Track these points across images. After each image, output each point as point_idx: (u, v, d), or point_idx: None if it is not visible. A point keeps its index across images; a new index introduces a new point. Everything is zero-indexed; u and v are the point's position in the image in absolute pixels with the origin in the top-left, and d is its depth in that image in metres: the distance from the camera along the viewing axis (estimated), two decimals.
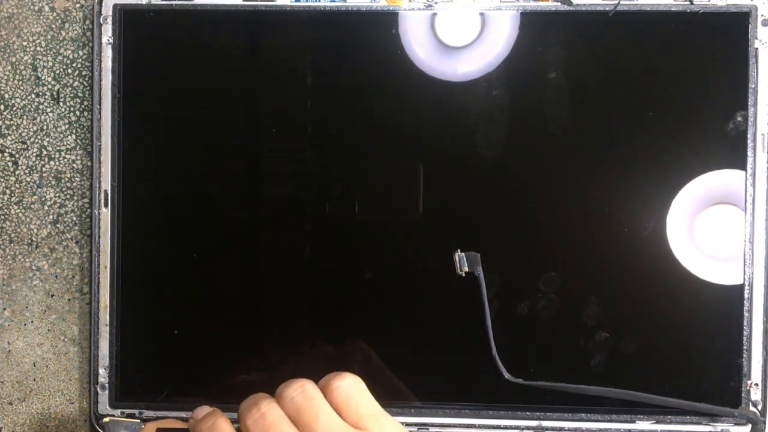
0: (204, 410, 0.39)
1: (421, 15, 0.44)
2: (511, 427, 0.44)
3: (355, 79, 0.44)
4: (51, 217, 0.47)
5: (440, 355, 0.44)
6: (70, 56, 0.46)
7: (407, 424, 0.44)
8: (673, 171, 0.43)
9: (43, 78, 0.46)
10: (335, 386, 0.35)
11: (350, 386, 0.35)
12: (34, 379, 0.47)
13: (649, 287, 0.43)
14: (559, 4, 0.43)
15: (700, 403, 0.42)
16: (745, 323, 0.43)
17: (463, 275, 0.43)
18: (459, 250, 0.43)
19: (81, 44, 0.46)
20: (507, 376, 0.43)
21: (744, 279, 0.43)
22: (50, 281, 0.47)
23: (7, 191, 0.47)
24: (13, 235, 0.47)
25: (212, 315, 0.45)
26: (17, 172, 0.47)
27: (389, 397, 0.43)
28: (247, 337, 0.45)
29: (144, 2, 0.44)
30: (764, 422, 0.43)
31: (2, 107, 0.47)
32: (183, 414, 0.44)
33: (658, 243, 0.43)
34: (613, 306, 0.43)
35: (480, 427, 0.44)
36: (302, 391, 0.35)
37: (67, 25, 0.46)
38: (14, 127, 0.47)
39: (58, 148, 0.46)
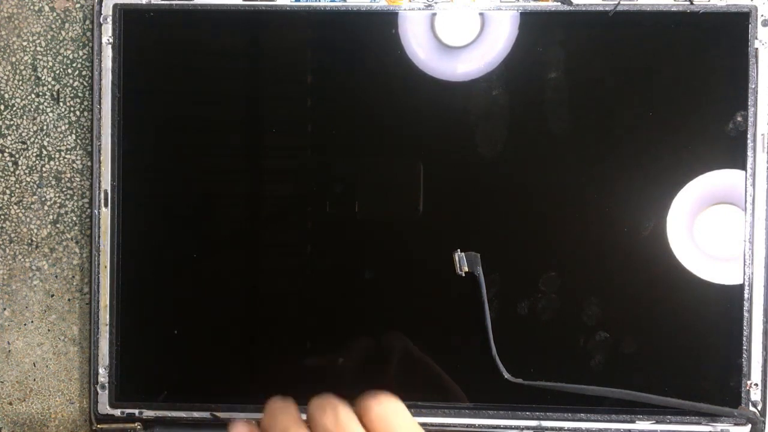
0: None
1: (421, 15, 0.44)
2: (511, 427, 0.44)
3: (355, 79, 0.44)
4: (51, 217, 0.47)
5: (440, 355, 0.44)
6: (70, 56, 0.46)
7: None
8: (673, 171, 0.43)
9: (43, 78, 0.46)
10: (372, 411, 0.33)
11: (388, 410, 0.33)
12: (34, 379, 0.47)
13: (649, 287, 0.43)
14: (559, 4, 0.43)
15: (700, 403, 0.42)
16: (745, 323, 0.43)
17: (463, 275, 0.43)
18: (459, 250, 0.43)
19: (81, 44, 0.46)
20: (507, 376, 0.43)
21: (744, 279, 0.43)
22: (50, 281, 0.47)
23: (7, 191, 0.47)
24: (13, 235, 0.47)
25: (212, 315, 0.45)
26: (17, 172, 0.47)
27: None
28: (247, 336, 0.45)
29: (144, 2, 0.44)
30: (764, 422, 0.43)
31: (2, 107, 0.47)
32: (183, 414, 0.44)
33: (658, 243, 0.43)
34: (613, 306, 0.43)
35: (480, 427, 0.44)
36: (335, 417, 0.32)
37: (67, 25, 0.46)
38: (14, 127, 0.47)
39: (58, 148, 0.46)
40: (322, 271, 0.44)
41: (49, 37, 0.46)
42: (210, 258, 0.45)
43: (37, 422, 0.47)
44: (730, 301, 0.43)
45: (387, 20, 0.44)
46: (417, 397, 0.44)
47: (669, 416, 0.43)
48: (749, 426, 0.43)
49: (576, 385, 0.43)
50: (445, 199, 0.44)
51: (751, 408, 0.42)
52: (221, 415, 0.44)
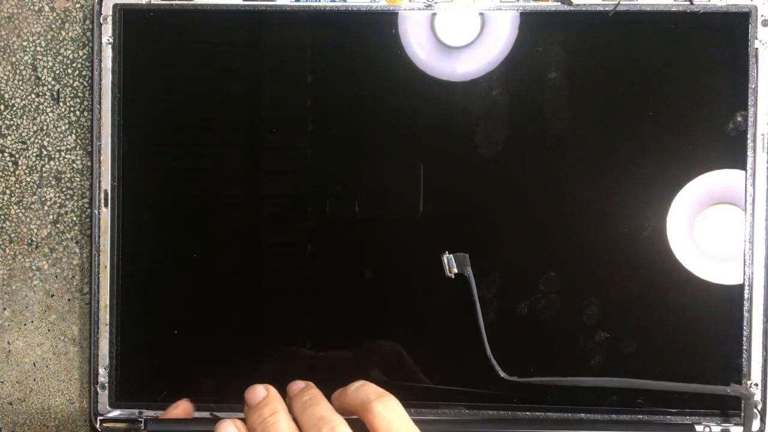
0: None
1: (421, 15, 0.44)
2: (510, 427, 0.44)
3: (355, 79, 0.44)
4: (51, 217, 0.47)
5: (440, 354, 0.44)
6: (70, 56, 0.46)
7: None
8: (673, 171, 0.43)
9: (43, 78, 0.46)
10: (375, 411, 0.34)
11: (392, 412, 0.34)
12: (34, 379, 0.47)
13: (649, 287, 0.43)
14: (559, 4, 0.43)
15: (694, 384, 0.42)
16: (745, 323, 0.43)
17: (453, 277, 0.43)
18: (447, 251, 0.43)
19: (81, 44, 0.46)
20: (503, 374, 0.43)
21: (744, 279, 0.43)
22: (50, 281, 0.47)
23: (7, 191, 0.47)
24: (13, 235, 0.47)
25: (212, 315, 0.45)
26: (17, 172, 0.47)
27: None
28: (248, 336, 0.45)
29: (144, 2, 0.44)
30: (761, 417, 0.43)
31: (2, 107, 0.47)
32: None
33: (658, 243, 0.43)
34: (613, 306, 0.43)
35: (480, 426, 0.44)
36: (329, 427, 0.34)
37: (67, 25, 0.46)
38: (14, 127, 0.47)
39: (58, 148, 0.46)
40: (322, 271, 0.44)
41: (49, 37, 0.46)
42: (210, 258, 0.45)
43: (37, 422, 0.47)
44: (730, 301, 0.43)
45: (387, 20, 0.44)
46: (417, 397, 0.44)
47: (669, 416, 0.43)
48: (746, 426, 0.43)
49: (571, 378, 0.43)
50: (445, 199, 0.44)
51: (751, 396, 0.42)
52: (221, 415, 0.44)
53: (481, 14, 0.44)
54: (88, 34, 0.46)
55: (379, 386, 0.36)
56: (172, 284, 0.45)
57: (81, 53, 0.46)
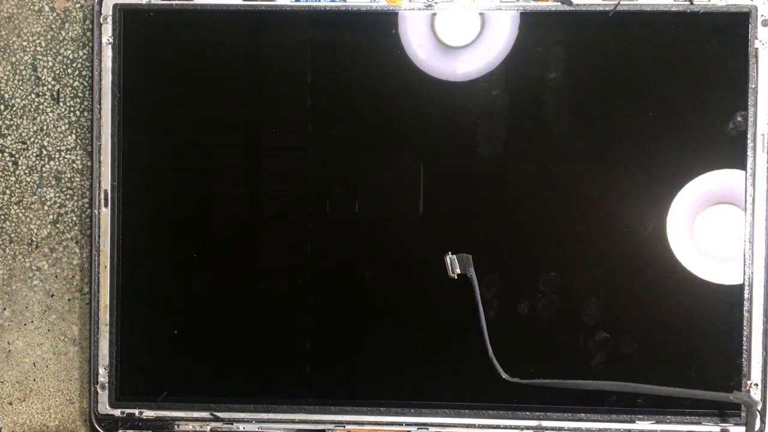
0: None
1: (421, 15, 0.44)
2: (511, 427, 0.44)
3: (355, 78, 0.44)
4: (51, 217, 0.47)
5: (441, 354, 0.44)
6: (70, 56, 0.46)
7: (407, 424, 0.44)
8: (673, 171, 0.43)
9: (43, 78, 0.46)
10: None
11: None
12: (34, 379, 0.47)
13: (649, 287, 0.43)
14: (559, 4, 0.43)
15: (696, 390, 0.42)
16: (745, 323, 0.43)
17: (456, 277, 0.43)
18: (450, 252, 0.43)
19: (81, 44, 0.46)
20: (504, 376, 0.43)
21: (744, 279, 0.43)
22: (50, 281, 0.47)
23: (7, 191, 0.47)
24: (13, 235, 0.47)
25: (212, 315, 0.45)
26: (17, 172, 0.47)
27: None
28: (247, 336, 0.45)
29: (144, 2, 0.44)
30: (761, 411, 0.43)
31: (2, 107, 0.47)
32: (182, 414, 0.44)
33: (658, 243, 0.43)
34: (613, 306, 0.43)
35: (480, 427, 0.44)
36: None
37: (67, 25, 0.46)
38: (14, 127, 0.47)
39: (58, 148, 0.46)
40: (322, 271, 0.44)
41: (49, 37, 0.46)
42: (210, 258, 0.45)
43: (37, 422, 0.47)
44: (730, 301, 0.43)
45: (387, 20, 0.44)
46: (417, 397, 0.44)
47: (669, 416, 0.43)
48: (746, 427, 0.43)
49: (572, 381, 0.43)
50: (445, 199, 0.44)
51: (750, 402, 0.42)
52: (221, 415, 0.44)
53: (481, 14, 0.44)
54: (88, 34, 0.46)
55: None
56: (172, 284, 0.45)
57: (81, 53, 0.46)
